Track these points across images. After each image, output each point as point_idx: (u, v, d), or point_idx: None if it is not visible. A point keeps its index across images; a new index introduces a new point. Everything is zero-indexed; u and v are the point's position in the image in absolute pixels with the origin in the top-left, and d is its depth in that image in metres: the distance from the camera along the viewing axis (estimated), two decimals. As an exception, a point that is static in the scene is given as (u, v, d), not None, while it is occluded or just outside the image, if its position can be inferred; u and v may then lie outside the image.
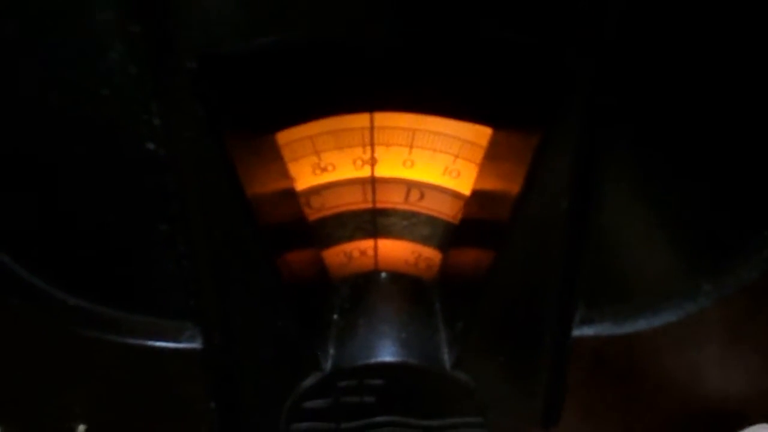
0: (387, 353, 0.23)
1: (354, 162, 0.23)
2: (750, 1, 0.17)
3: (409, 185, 0.24)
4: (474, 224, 0.23)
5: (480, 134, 0.22)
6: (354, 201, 0.24)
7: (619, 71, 0.18)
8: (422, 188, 0.24)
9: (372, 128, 0.22)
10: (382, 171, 0.24)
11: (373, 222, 0.24)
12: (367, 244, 0.25)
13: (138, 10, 0.16)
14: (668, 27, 0.18)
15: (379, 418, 0.23)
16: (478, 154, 0.23)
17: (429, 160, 0.24)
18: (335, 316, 0.24)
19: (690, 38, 0.18)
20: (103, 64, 0.17)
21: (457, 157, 0.23)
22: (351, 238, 0.25)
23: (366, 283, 0.25)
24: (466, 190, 0.24)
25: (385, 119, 0.22)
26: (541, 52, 0.18)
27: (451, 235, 0.25)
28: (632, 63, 0.18)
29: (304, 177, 0.24)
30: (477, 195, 0.23)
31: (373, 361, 0.22)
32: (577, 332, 0.22)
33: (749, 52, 0.18)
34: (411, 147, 0.23)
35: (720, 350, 0.23)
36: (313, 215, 0.24)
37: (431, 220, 0.24)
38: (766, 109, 0.19)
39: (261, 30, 0.17)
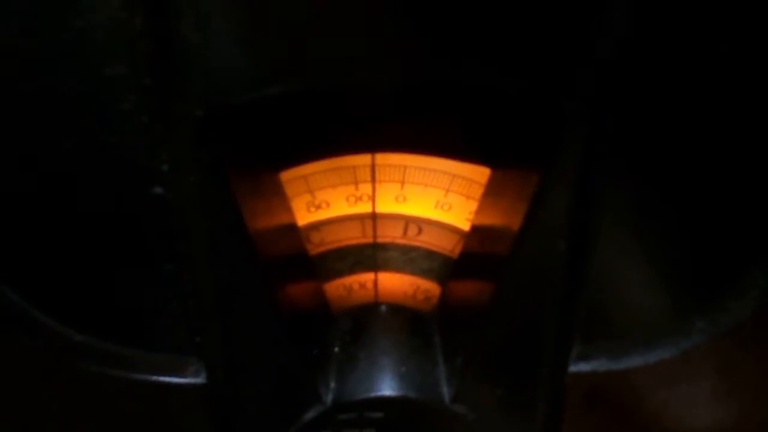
0: (387, 387, 0.23)
1: (350, 198, 0.24)
2: (738, 52, 0.18)
3: (407, 220, 0.24)
4: (473, 258, 0.24)
5: (471, 170, 0.23)
6: (354, 236, 0.25)
7: (615, 114, 0.18)
8: (419, 223, 0.25)
9: (373, 166, 0.23)
10: (383, 207, 0.24)
11: (373, 256, 0.25)
12: (367, 277, 0.25)
13: (150, 64, 0.16)
14: (661, 74, 0.18)
15: (378, 451, 0.24)
16: (469, 188, 0.23)
17: (420, 194, 0.24)
18: (336, 349, 0.24)
19: (683, 84, 0.18)
20: (116, 114, 0.17)
21: (448, 191, 0.24)
22: (351, 271, 0.25)
23: (366, 316, 0.25)
24: (460, 223, 0.24)
25: (386, 158, 0.23)
26: (538, 98, 0.19)
27: (449, 269, 0.25)
28: (627, 107, 0.18)
29: (303, 213, 0.24)
30: (476, 230, 0.24)
31: (373, 395, 0.23)
32: (573, 368, 0.22)
33: (738, 101, 0.19)
34: (403, 183, 0.24)
35: (713, 385, 0.23)
36: (314, 249, 0.25)
37: (430, 254, 0.25)
38: (758, 154, 0.20)
39: (265, 81, 0.17)
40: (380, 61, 0.17)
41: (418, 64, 0.17)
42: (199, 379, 0.22)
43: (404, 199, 0.24)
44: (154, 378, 0.22)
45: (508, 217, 0.21)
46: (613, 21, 0.17)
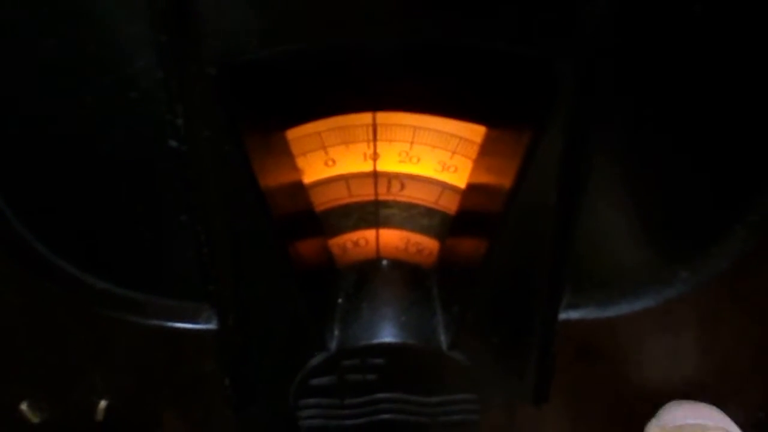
0: (388, 335, 0.24)
1: (357, 156, 0.25)
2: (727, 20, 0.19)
3: (410, 179, 0.26)
4: (469, 215, 0.25)
5: (476, 132, 0.24)
6: (357, 193, 0.26)
7: (603, 76, 0.19)
8: (422, 182, 0.26)
9: (374, 126, 0.24)
10: (384, 166, 0.25)
11: (375, 213, 0.26)
12: (369, 233, 0.27)
13: (165, 22, 0.17)
14: (648, 38, 0.19)
15: (380, 395, 0.25)
16: (475, 151, 0.25)
17: (428, 155, 0.25)
18: (340, 300, 0.26)
19: (669, 42, 0.19)
20: (133, 70, 0.18)
21: (454, 153, 0.25)
22: (355, 227, 0.26)
23: (369, 270, 0.27)
24: (462, 183, 0.25)
25: (387, 117, 0.24)
26: (531, 59, 0.20)
27: (448, 226, 0.26)
28: (616, 68, 0.19)
29: (311, 170, 0.25)
30: (472, 188, 0.25)
31: (375, 341, 0.24)
32: (563, 315, 0.24)
33: (723, 56, 0.20)
34: (412, 143, 0.25)
35: (696, 333, 0.24)
36: (319, 207, 0.26)
37: (429, 212, 0.26)
38: (738, 112, 0.21)
39: (275, 40, 0.18)
40: (381, 21, 0.18)
41: (416, 25, 0.18)
42: (211, 325, 0.23)
43: (411, 159, 0.25)
44: (169, 324, 0.23)
45: (502, 175, 0.22)
46: None
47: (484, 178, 0.24)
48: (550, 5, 0.18)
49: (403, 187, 0.26)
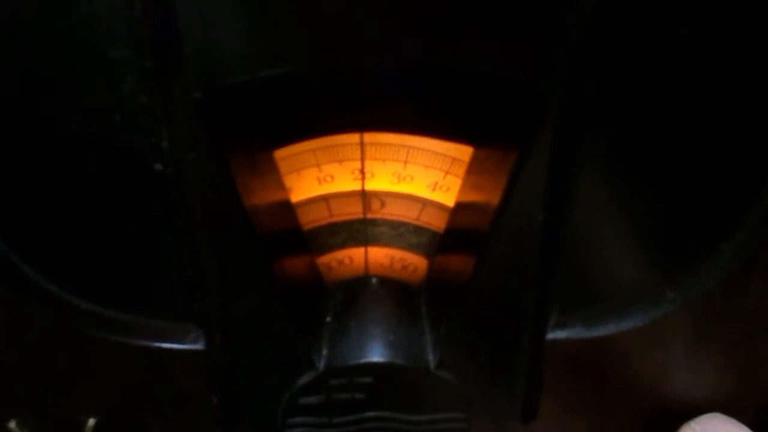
0: (376, 354, 0.24)
1: (346, 176, 0.25)
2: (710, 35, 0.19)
3: (399, 198, 0.26)
4: (457, 233, 0.25)
5: (469, 153, 0.24)
6: (345, 212, 0.26)
7: (587, 96, 0.20)
8: (411, 200, 0.26)
9: (362, 145, 0.24)
10: (373, 185, 0.26)
11: (363, 231, 0.26)
12: (358, 251, 0.27)
13: (149, 48, 0.17)
14: (633, 59, 0.19)
15: (368, 414, 0.25)
16: (458, 167, 0.25)
17: (421, 175, 0.25)
18: (328, 319, 0.26)
19: (653, 63, 0.19)
20: (118, 95, 0.18)
21: (447, 173, 0.25)
22: (343, 246, 0.26)
23: (357, 288, 0.27)
24: (452, 203, 0.26)
25: (375, 137, 0.24)
26: (515, 81, 0.20)
27: (436, 244, 0.26)
28: (600, 89, 0.20)
29: (301, 188, 0.25)
30: (460, 206, 0.25)
31: (363, 361, 0.24)
32: (551, 335, 0.24)
33: (709, 86, 0.20)
34: (405, 163, 0.25)
35: (684, 352, 0.24)
36: (307, 225, 0.26)
37: (418, 230, 0.26)
38: (725, 131, 0.21)
39: (259, 65, 0.18)
40: (364, 45, 0.18)
41: (399, 49, 0.18)
42: (198, 346, 0.23)
43: (405, 179, 0.25)
44: (156, 344, 0.23)
45: (489, 194, 0.22)
46: (584, 5, 0.18)
47: (472, 197, 0.24)
48: (532, 29, 0.18)
49: (391, 205, 0.26)
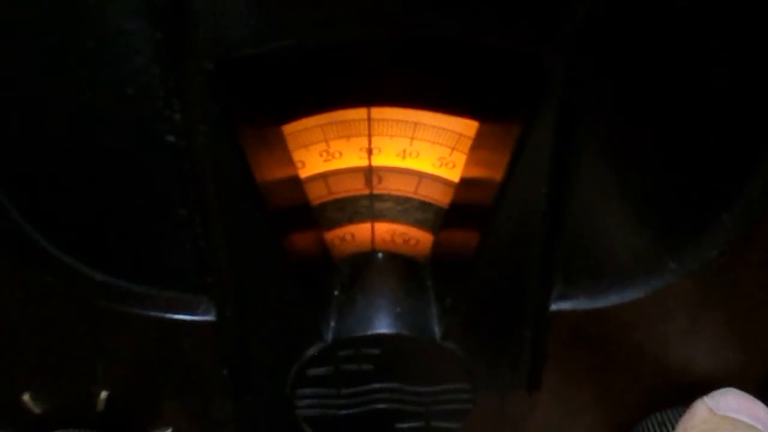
0: (383, 325, 0.25)
1: (353, 151, 0.26)
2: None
3: (405, 173, 0.26)
4: (462, 208, 0.26)
5: (472, 128, 0.25)
6: (352, 187, 0.26)
7: (590, 70, 0.20)
8: (418, 176, 0.26)
9: (369, 121, 0.24)
10: (381, 160, 0.26)
11: (370, 206, 0.27)
12: (365, 226, 0.27)
13: (161, 19, 0.18)
14: (635, 31, 0.20)
15: (375, 385, 0.26)
16: (461, 142, 0.25)
17: (427, 151, 0.26)
18: (336, 292, 0.26)
19: (656, 36, 0.20)
20: (131, 66, 0.19)
21: (453, 149, 0.25)
22: (350, 221, 0.27)
23: (364, 262, 0.27)
24: (458, 178, 0.26)
25: (382, 113, 0.24)
26: (519, 54, 0.20)
27: (442, 218, 0.27)
28: (603, 62, 0.20)
29: (309, 164, 0.26)
30: (465, 181, 0.25)
31: (370, 332, 0.25)
32: (555, 306, 0.24)
33: (709, 56, 0.20)
34: (412, 138, 0.25)
35: (686, 322, 0.25)
36: (315, 200, 0.26)
37: (423, 205, 0.27)
38: (724, 105, 0.21)
39: (270, 36, 0.19)
40: (373, 16, 0.19)
41: (405, 22, 0.19)
42: (209, 317, 0.24)
43: (412, 154, 0.26)
44: (168, 315, 0.24)
45: (493, 169, 0.23)
46: None
47: (476, 172, 0.25)
48: (536, 1, 0.19)
49: (397, 181, 0.26)
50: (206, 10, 0.18)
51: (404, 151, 0.26)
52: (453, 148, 0.25)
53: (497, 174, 0.22)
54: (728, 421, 0.24)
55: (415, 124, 0.25)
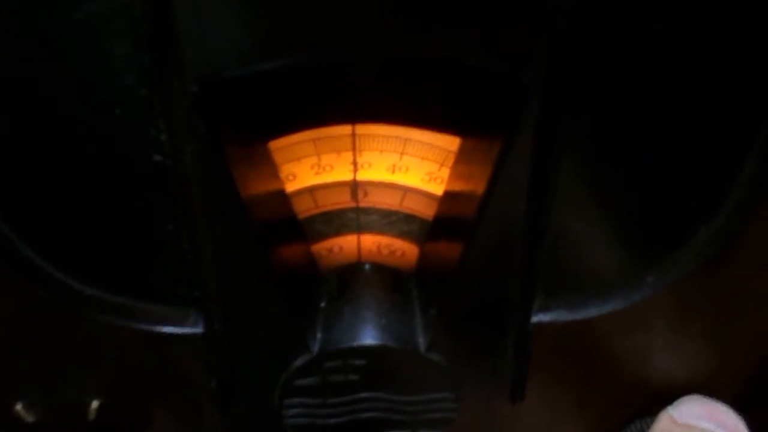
0: (368, 337, 0.25)
1: (340, 166, 0.26)
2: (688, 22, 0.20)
3: (390, 187, 0.27)
4: (446, 221, 0.26)
5: (446, 140, 0.25)
6: (339, 201, 0.27)
7: (567, 87, 0.20)
8: (403, 190, 0.27)
9: (354, 137, 0.25)
10: (371, 175, 0.26)
11: (356, 219, 0.27)
12: (351, 239, 0.27)
13: (147, 43, 0.18)
14: (611, 51, 0.20)
15: (362, 394, 0.26)
16: (445, 157, 0.26)
17: (417, 166, 0.26)
18: (323, 304, 0.27)
19: (630, 61, 0.20)
20: (118, 88, 0.19)
21: (442, 165, 0.26)
22: (337, 233, 0.27)
23: (351, 274, 0.28)
24: (436, 189, 0.26)
25: (366, 129, 0.25)
26: (498, 73, 0.21)
27: (427, 231, 0.27)
28: (580, 80, 0.20)
29: (298, 178, 0.26)
30: (448, 195, 0.26)
31: (356, 344, 0.25)
32: (536, 318, 0.25)
33: (684, 77, 0.21)
34: (402, 154, 0.26)
35: (665, 334, 0.25)
36: (302, 214, 0.27)
37: (409, 218, 0.27)
38: (701, 120, 0.22)
39: (253, 58, 0.19)
40: (355, 38, 0.19)
41: (385, 42, 0.19)
42: (198, 329, 0.24)
43: (401, 169, 0.26)
44: (157, 328, 0.24)
45: (475, 182, 0.23)
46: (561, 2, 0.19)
47: (460, 186, 0.25)
48: (513, 22, 0.19)
49: (384, 195, 0.27)
50: (190, 34, 0.18)
51: (394, 166, 0.26)
52: (441, 164, 0.26)
53: (479, 188, 0.23)
54: (687, 428, 0.24)
55: (405, 140, 0.26)
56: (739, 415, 0.26)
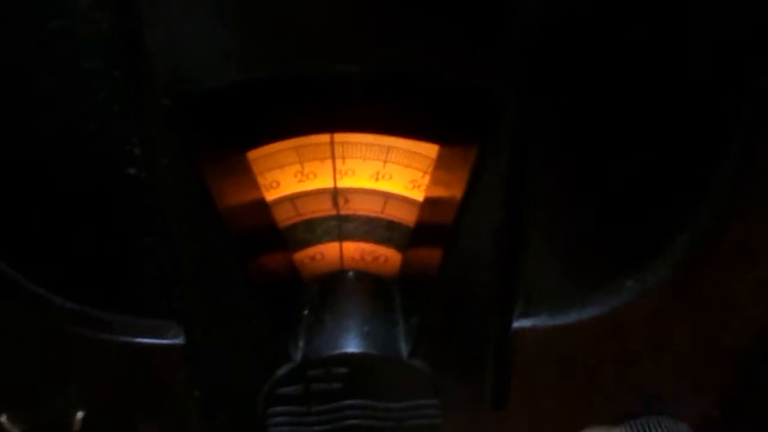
0: (351, 345, 0.25)
1: (320, 174, 0.26)
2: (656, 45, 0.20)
3: (371, 194, 0.27)
4: (427, 228, 0.26)
5: (428, 148, 0.25)
6: (320, 209, 0.27)
7: (540, 99, 0.20)
8: (384, 197, 0.27)
9: (332, 145, 0.25)
10: (354, 182, 0.26)
11: (338, 227, 0.27)
12: (333, 246, 0.27)
13: (119, 59, 0.18)
14: (582, 63, 0.20)
15: (346, 402, 0.26)
16: (427, 164, 0.26)
17: (400, 174, 0.26)
18: (305, 312, 0.27)
19: (600, 68, 0.20)
20: (92, 104, 0.19)
21: (425, 172, 0.26)
22: (318, 241, 0.27)
23: (333, 282, 0.28)
24: (416, 196, 0.26)
25: (345, 137, 0.25)
26: (472, 86, 0.21)
27: (408, 238, 0.27)
28: (551, 92, 0.20)
29: (279, 186, 0.26)
30: (428, 202, 0.26)
31: (338, 352, 0.25)
32: (517, 324, 0.25)
33: (655, 88, 0.21)
34: (385, 161, 0.26)
35: (645, 339, 0.25)
36: (283, 222, 0.27)
37: (391, 225, 0.27)
38: (673, 133, 0.22)
39: (223, 72, 0.19)
40: (323, 53, 0.19)
41: (360, 58, 0.19)
42: (179, 340, 0.24)
43: (384, 177, 0.26)
44: (138, 340, 0.24)
45: (454, 190, 0.23)
46: (530, 20, 0.19)
47: (439, 192, 0.25)
48: (484, 40, 0.19)
49: (366, 202, 0.27)
50: (162, 50, 0.18)
51: (377, 174, 0.26)
52: (425, 172, 0.26)
53: (458, 195, 0.23)
54: None
55: (389, 147, 0.26)
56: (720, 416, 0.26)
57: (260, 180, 0.26)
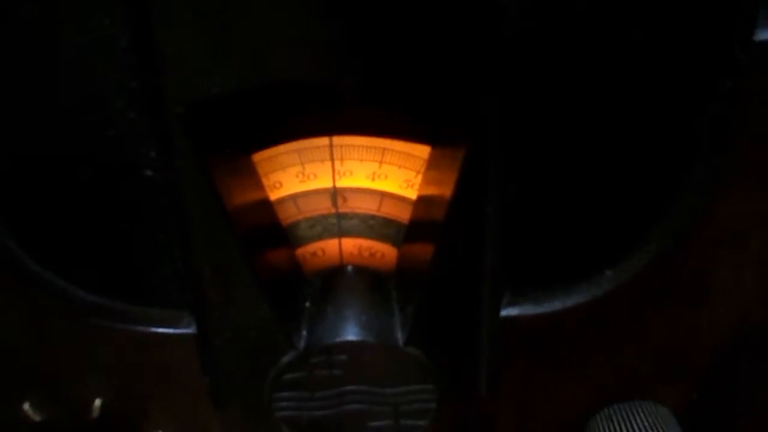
0: (350, 333, 0.27)
1: (322, 174, 0.28)
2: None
3: (368, 193, 0.28)
4: (420, 224, 0.28)
5: (420, 150, 0.27)
6: (320, 207, 0.29)
7: (521, 104, 0.22)
8: (380, 196, 0.28)
9: (331, 147, 0.27)
10: (352, 182, 0.28)
11: (338, 224, 0.29)
12: (333, 243, 0.29)
13: (137, 71, 0.20)
14: (555, 69, 0.22)
15: (346, 387, 0.28)
16: (420, 165, 0.27)
17: (395, 174, 0.28)
18: (308, 304, 0.29)
19: (574, 73, 0.22)
20: (110, 111, 0.21)
21: (418, 172, 0.28)
22: (320, 237, 0.29)
23: (333, 276, 0.29)
24: (410, 194, 0.28)
25: (352, 140, 0.27)
26: (459, 97, 0.23)
27: (403, 234, 0.29)
28: (533, 97, 0.22)
29: (282, 186, 0.28)
30: (421, 199, 0.28)
31: (338, 340, 0.27)
32: (505, 312, 0.26)
33: (632, 79, 0.22)
34: (381, 162, 0.28)
35: (625, 324, 0.27)
36: (287, 220, 0.28)
37: (388, 222, 0.29)
38: (648, 133, 0.23)
39: (233, 81, 0.21)
40: (321, 64, 0.21)
41: (354, 70, 0.21)
42: (191, 330, 0.26)
43: (380, 177, 0.28)
44: (153, 329, 0.26)
45: (444, 188, 0.25)
46: (509, 35, 0.20)
47: (431, 190, 0.27)
48: (468, 55, 0.21)
49: (364, 200, 0.29)
50: (174, 62, 0.20)
51: (374, 174, 0.28)
52: (418, 172, 0.28)
53: (448, 192, 0.25)
54: None
55: (384, 149, 0.27)
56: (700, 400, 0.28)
57: (264, 180, 0.28)
